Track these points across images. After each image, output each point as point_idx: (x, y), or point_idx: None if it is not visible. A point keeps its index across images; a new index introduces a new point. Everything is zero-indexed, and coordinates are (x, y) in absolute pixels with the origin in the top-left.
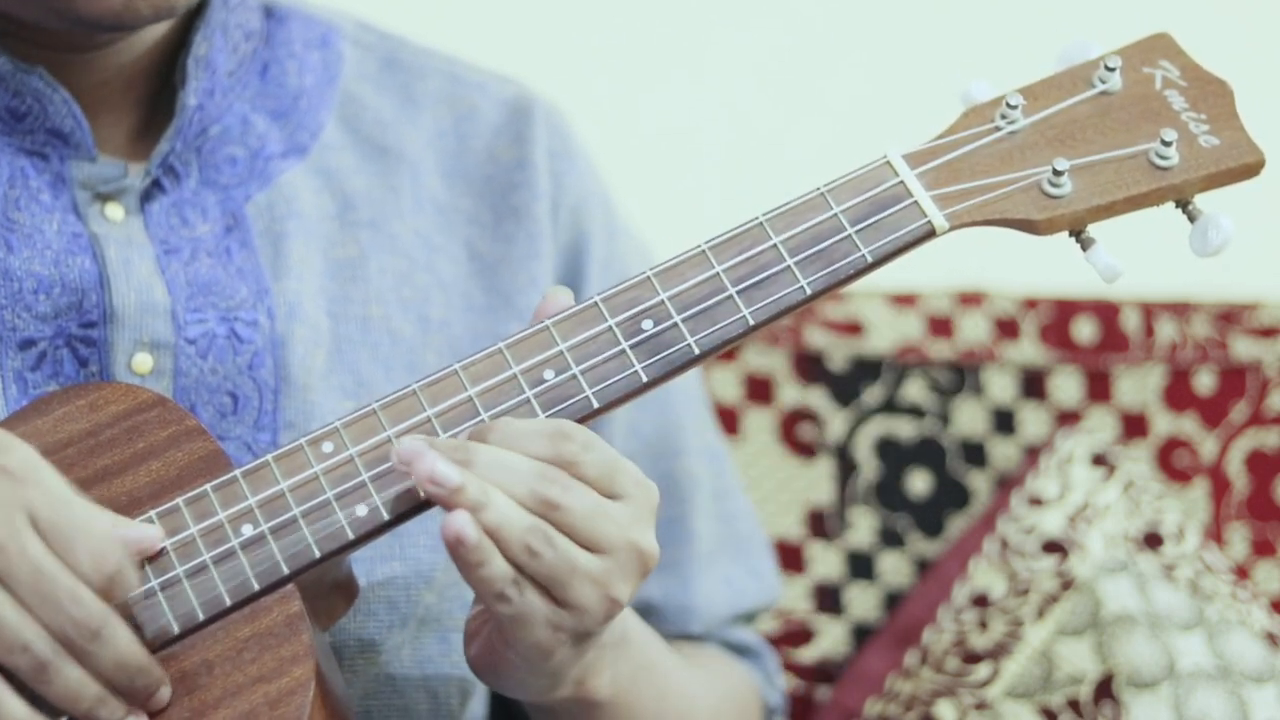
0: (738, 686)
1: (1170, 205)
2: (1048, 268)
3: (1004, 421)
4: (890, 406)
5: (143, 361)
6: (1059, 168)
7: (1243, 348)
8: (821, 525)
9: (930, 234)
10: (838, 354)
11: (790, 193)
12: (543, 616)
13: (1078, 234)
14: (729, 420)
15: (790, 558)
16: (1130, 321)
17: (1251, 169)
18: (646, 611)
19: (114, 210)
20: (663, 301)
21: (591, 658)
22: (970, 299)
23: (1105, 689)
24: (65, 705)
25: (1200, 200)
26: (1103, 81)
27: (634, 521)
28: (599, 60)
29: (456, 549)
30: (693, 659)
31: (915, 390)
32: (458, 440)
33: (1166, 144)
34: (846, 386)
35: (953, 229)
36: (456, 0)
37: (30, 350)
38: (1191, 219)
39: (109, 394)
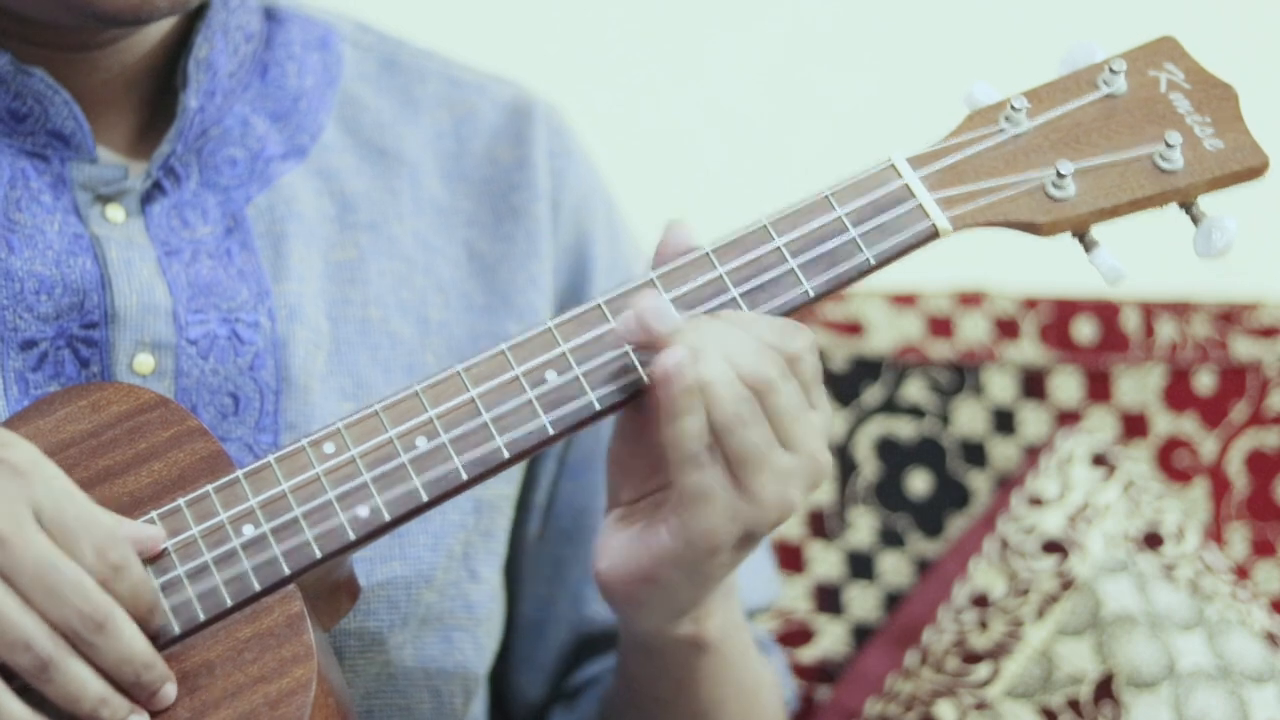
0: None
1: (1174, 208)
2: (1048, 268)
3: (1004, 421)
4: (890, 406)
5: (144, 362)
6: (1063, 170)
7: (1243, 348)
8: (821, 525)
9: (934, 236)
10: (838, 354)
11: (792, 195)
12: (724, 499)
13: (1081, 236)
14: None
15: (790, 558)
16: (1130, 321)
17: (1256, 171)
18: None
19: (115, 212)
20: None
21: (711, 597)
22: (970, 299)
23: (1105, 689)
24: (67, 705)
25: (1203, 202)
26: (1107, 84)
27: (822, 434)
28: (599, 62)
29: (665, 387)
30: None
31: (915, 390)
32: (686, 314)
33: (1171, 147)
34: (846, 386)
35: (956, 231)
36: (455, 2)
37: (31, 351)
38: (1195, 222)
39: (111, 394)
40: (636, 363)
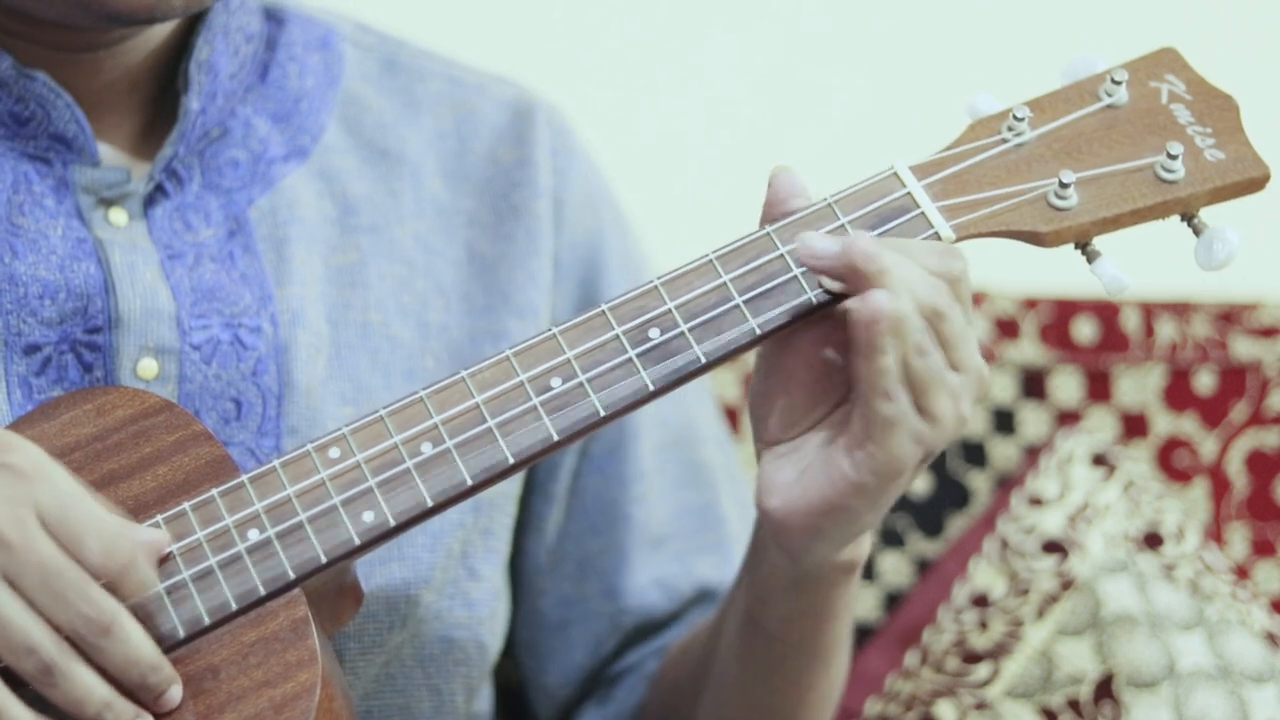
0: None
1: (1176, 218)
2: (1048, 268)
3: (1004, 421)
4: None
5: (148, 367)
6: (1065, 180)
7: (1243, 348)
8: None
9: None
10: None
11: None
12: (910, 425)
13: (1083, 246)
14: (730, 420)
15: None
16: (1130, 321)
17: (1257, 183)
18: (707, 594)
19: (117, 215)
20: (670, 310)
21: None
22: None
23: (1105, 689)
24: (72, 709)
25: (1204, 213)
26: (1109, 95)
27: (978, 349)
28: (599, 63)
29: (872, 327)
30: None
31: None
32: (868, 240)
33: (1172, 157)
34: None
35: (959, 240)
36: (455, 2)
37: (35, 355)
38: (1197, 232)
39: (116, 398)
40: (639, 365)
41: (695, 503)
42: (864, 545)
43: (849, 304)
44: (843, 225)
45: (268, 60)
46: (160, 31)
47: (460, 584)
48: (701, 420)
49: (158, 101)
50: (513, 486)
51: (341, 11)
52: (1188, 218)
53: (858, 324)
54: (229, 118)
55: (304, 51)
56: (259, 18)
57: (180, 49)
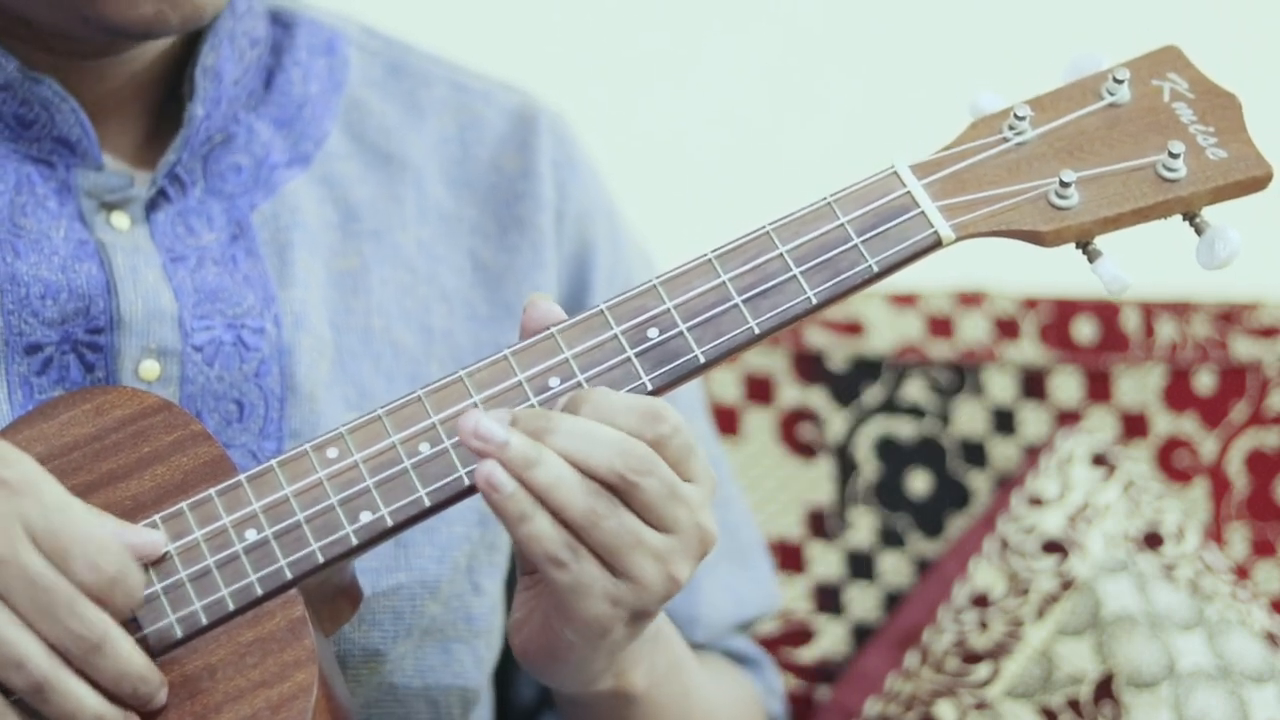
0: (746, 694)
1: (1177, 218)
2: (1048, 268)
3: (1004, 421)
4: (890, 406)
5: (150, 368)
6: (1066, 179)
7: (1243, 348)
8: (821, 525)
9: (937, 244)
10: (838, 354)
11: (791, 200)
12: (601, 588)
13: (1084, 246)
14: (729, 420)
15: (790, 558)
16: (1130, 321)
17: (1259, 182)
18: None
19: (120, 219)
20: (669, 310)
21: (632, 648)
22: (970, 299)
23: (1105, 689)
24: None
25: (1206, 212)
26: (1111, 93)
27: (701, 505)
28: (598, 66)
29: (490, 496)
30: (703, 665)
31: (915, 390)
32: (541, 410)
33: (1174, 156)
34: (846, 386)
35: (959, 239)
36: (455, 5)
37: (36, 355)
38: (1199, 231)
39: (114, 398)
40: (638, 365)
41: None
42: (632, 675)
43: None
44: (843, 224)
45: (273, 65)
46: (165, 39)
47: (464, 597)
48: (694, 435)
49: (162, 106)
50: None
51: (346, 14)
52: (1189, 217)
53: (483, 495)
54: (232, 123)
55: (309, 56)
56: (265, 22)
57: (186, 55)
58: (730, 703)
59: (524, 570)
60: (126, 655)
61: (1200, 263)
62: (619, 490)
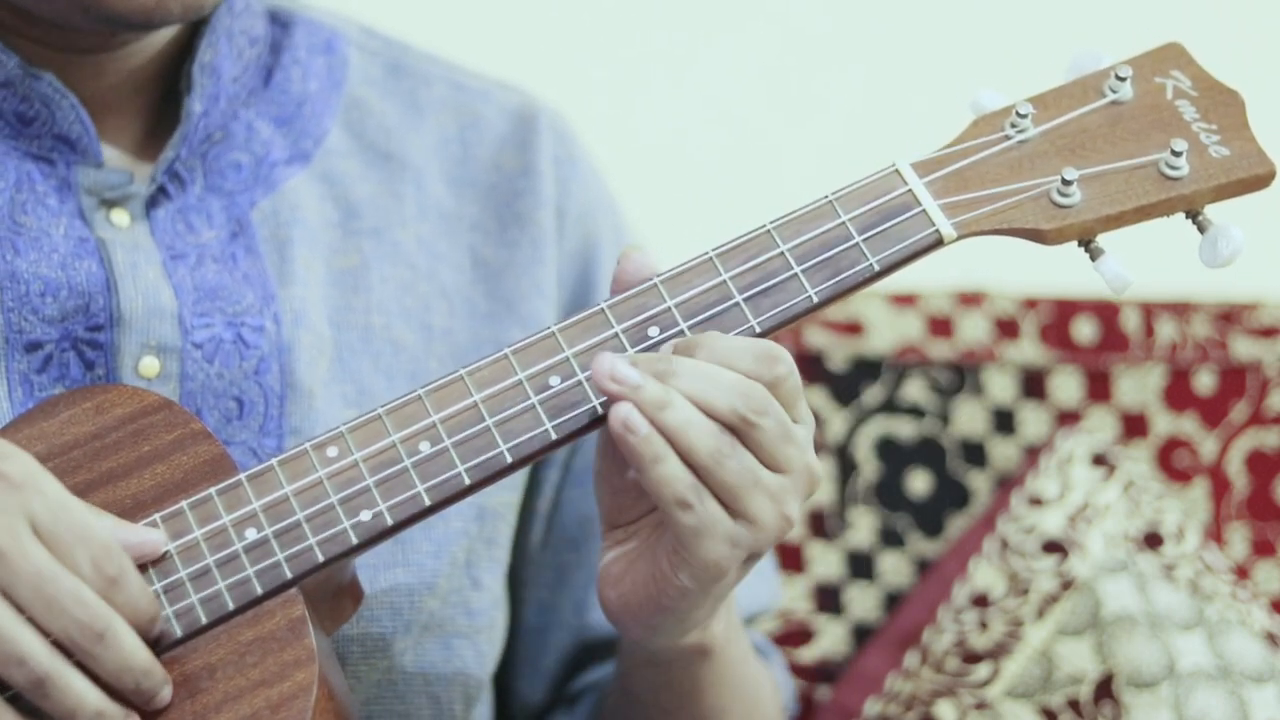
0: (769, 676)
1: (1180, 216)
2: (1048, 268)
3: (1004, 421)
4: (890, 406)
5: (149, 365)
6: (1068, 177)
7: (1243, 348)
8: (821, 525)
9: (938, 243)
10: (838, 354)
11: (791, 200)
12: (723, 530)
13: (1086, 244)
14: None
15: (790, 558)
16: (1130, 321)
17: (1262, 180)
18: None
19: (119, 216)
20: (669, 308)
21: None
22: (970, 299)
23: (1105, 689)
24: (63, 718)
25: (1209, 210)
26: (1113, 91)
27: (809, 445)
28: (598, 65)
29: (626, 439)
30: None
31: (915, 390)
32: (660, 354)
33: (1177, 154)
34: (846, 386)
35: (961, 238)
36: (455, 5)
37: (36, 353)
38: (1201, 230)
39: (115, 397)
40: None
41: None
42: (713, 630)
43: None
44: (844, 222)
45: (271, 64)
46: (164, 34)
47: (463, 593)
48: None
49: (161, 104)
50: (514, 496)
51: (345, 14)
52: (1192, 215)
53: (615, 438)
54: (231, 120)
55: (308, 55)
56: (264, 21)
57: (184, 52)
58: (766, 679)
59: (613, 524)
60: (130, 648)
61: (1203, 261)
62: (738, 431)
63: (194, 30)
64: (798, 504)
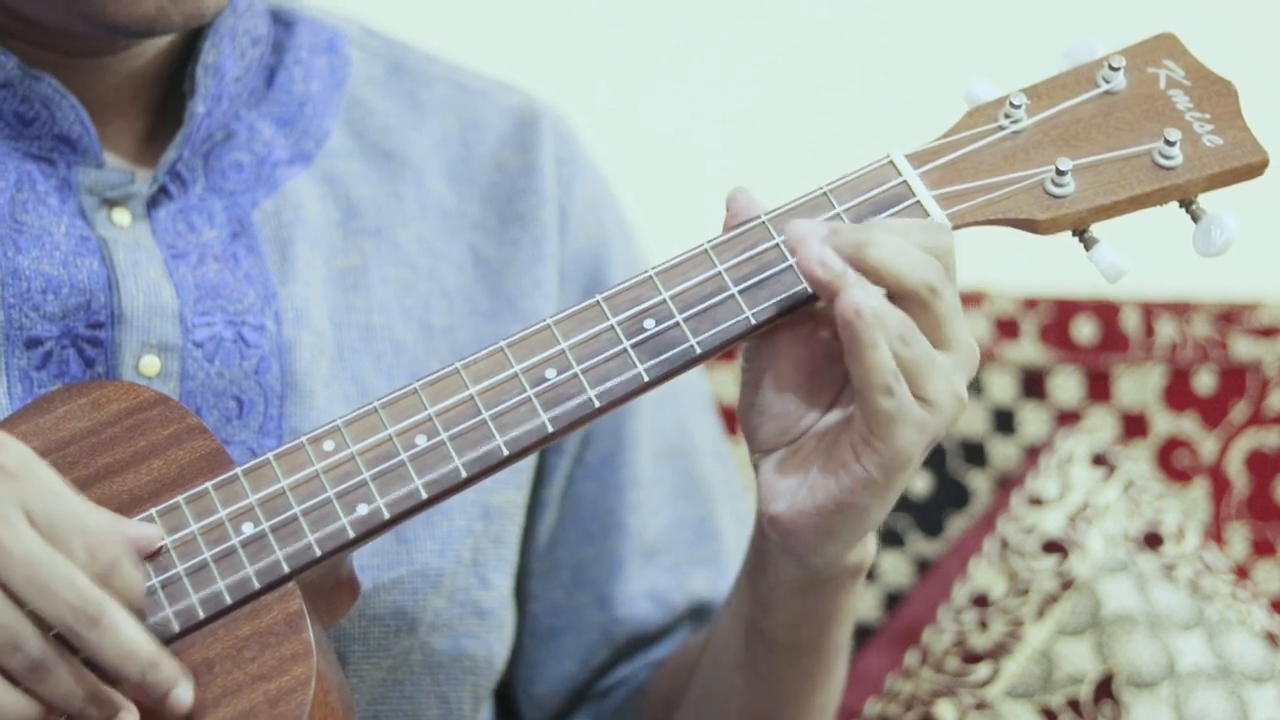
0: None
1: (1174, 205)
2: (1048, 268)
3: (1004, 421)
4: None
5: (150, 364)
6: (1062, 167)
7: (1243, 348)
8: None
9: None
10: None
11: (790, 193)
12: (914, 415)
13: (1081, 234)
14: (730, 420)
15: None
16: (1130, 321)
17: (1255, 169)
18: (700, 609)
19: (121, 215)
20: (665, 300)
21: None
22: (970, 299)
23: (1105, 689)
24: (59, 705)
25: (1203, 200)
26: (1107, 81)
27: (966, 322)
28: (599, 64)
29: (855, 323)
30: None
31: None
32: (856, 225)
33: (1170, 144)
34: None
35: (955, 229)
36: (455, 5)
37: (36, 349)
38: (1195, 219)
39: (111, 392)
40: (634, 356)
41: (691, 515)
42: (870, 546)
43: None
44: (838, 214)
45: (274, 64)
46: (166, 37)
47: (472, 592)
48: (699, 431)
49: (163, 104)
50: (520, 495)
51: (348, 14)
52: (1186, 204)
53: (842, 323)
54: (233, 121)
55: (310, 55)
56: (266, 21)
57: (187, 52)
58: None
59: (772, 446)
60: (129, 633)
61: (1197, 250)
62: (922, 304)
63: (197, 31)
64: (965, 381)
